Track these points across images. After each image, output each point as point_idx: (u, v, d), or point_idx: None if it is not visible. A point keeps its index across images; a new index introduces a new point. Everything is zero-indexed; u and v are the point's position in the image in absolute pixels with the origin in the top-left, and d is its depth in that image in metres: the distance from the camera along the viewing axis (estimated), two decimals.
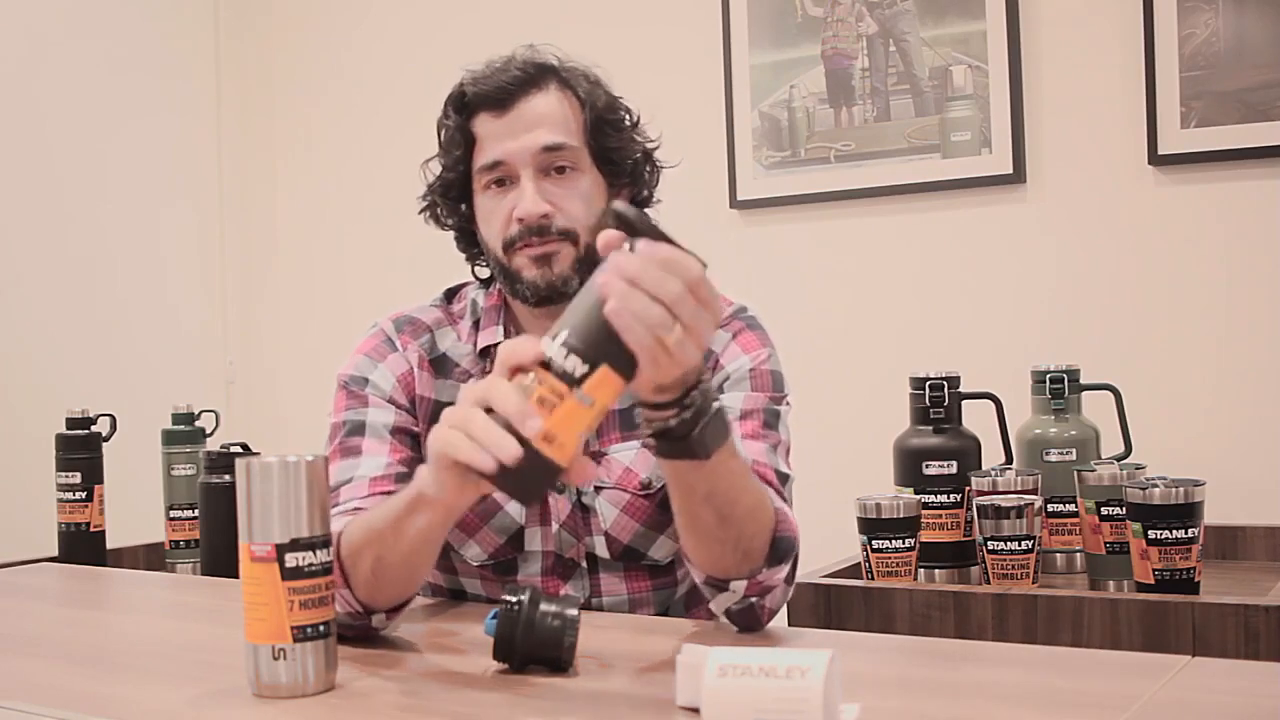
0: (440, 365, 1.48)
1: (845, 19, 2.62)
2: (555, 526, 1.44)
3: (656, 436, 1.09)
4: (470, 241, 1.50)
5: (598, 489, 1.44)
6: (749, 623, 1.26)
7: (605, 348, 0.97)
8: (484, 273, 1.53)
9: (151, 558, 2.35)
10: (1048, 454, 2.03)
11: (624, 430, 1.45)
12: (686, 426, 1.06)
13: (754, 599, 1.23)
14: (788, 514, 1.27)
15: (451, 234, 1.52)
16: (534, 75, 1.40)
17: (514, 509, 1.44)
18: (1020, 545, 1.81)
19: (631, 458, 1.44)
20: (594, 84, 1.44)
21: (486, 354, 1.47)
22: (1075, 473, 1.90)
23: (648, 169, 1.48)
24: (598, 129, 1.42)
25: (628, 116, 1.46)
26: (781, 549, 1.23)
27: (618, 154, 1.43)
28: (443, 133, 1.45)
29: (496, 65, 1.41)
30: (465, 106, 1.42)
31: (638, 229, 0.99)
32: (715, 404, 1.08)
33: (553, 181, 1.38)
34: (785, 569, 1.24)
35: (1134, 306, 2.37)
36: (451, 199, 1.46)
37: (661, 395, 1.06)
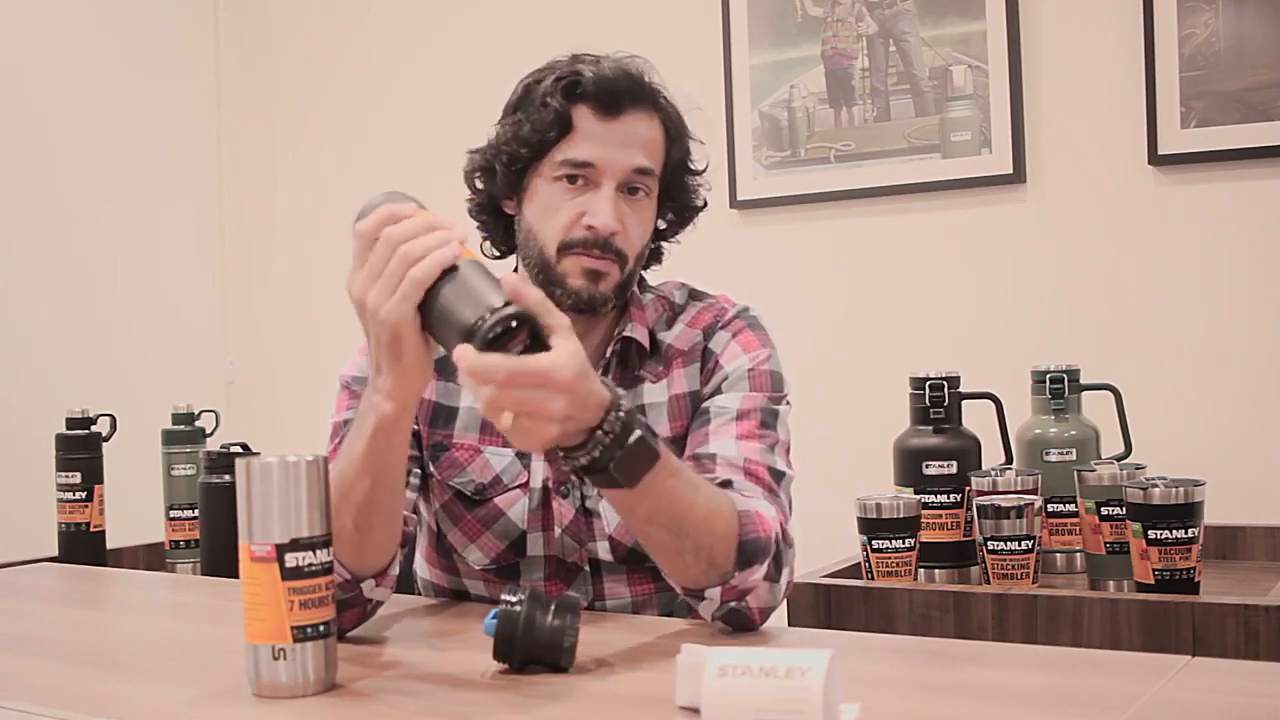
0: (442, 367, 1.48)
1: (845, 19, 2.62)
2: (558, 531, 1.44)
3: (578, 471, 1.11)
4: (496, 215, 1.50)
5: (600, 493, 1.43)
6: (740, 624, 1.26)
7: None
8: (489, 249, 1.52)
9: (151, 558, 2.35)
10: (1048, 454, 2.03)
11: None
12: (601, 461, 1.08)
13: (734, 603, 1.23)
14: (760, 514, 1.26)
15: (472, 199, 1.51)
16: (645, 95, 1.42)
17: (516, 514, 1.44)
18: (1020, 545, 1.81)
19: None
20: (682, 125, 1.47)
21: None
22: (1075, 473, 1.90)
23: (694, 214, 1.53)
24: (675, 171, 1.47)
25: (695, 164, 1.50)
26: (749, 551, 1.23)
27: (681, 196, 1.49)
28: (536, 108, 1.41)
29: (610, 65, 1.41)
30: (574, 94, 1.40)
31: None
32: (635, 434, 1.09)
33: (625, 201, 1.41)
34: (759, 569, 1.23)
35: (1134, 306, 2.37)
36: (514, 171, 1.44)
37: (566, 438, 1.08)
